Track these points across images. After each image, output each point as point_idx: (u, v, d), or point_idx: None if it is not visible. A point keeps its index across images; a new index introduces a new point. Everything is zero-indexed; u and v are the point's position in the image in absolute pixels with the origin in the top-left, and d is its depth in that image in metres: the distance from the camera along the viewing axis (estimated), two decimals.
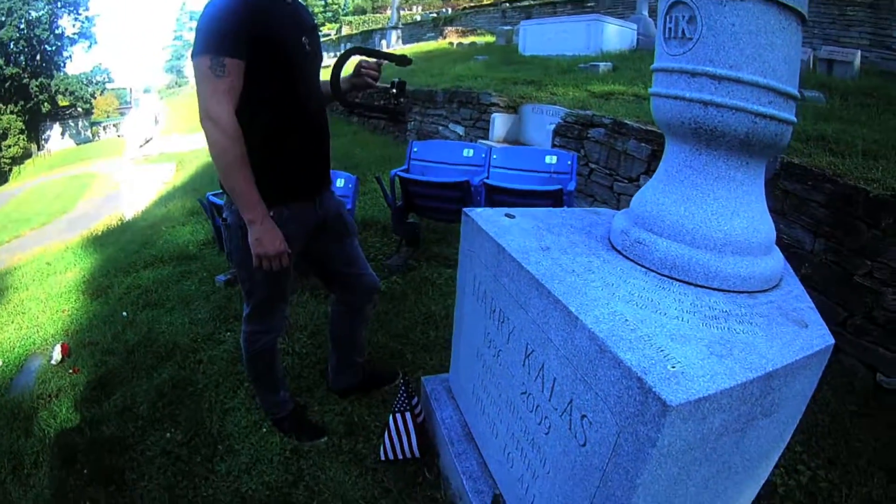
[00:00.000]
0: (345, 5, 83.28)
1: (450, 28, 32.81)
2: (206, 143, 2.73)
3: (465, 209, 2.81)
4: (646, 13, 17.47)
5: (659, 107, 2.12)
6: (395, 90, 3.39)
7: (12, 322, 7.00)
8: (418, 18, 45.44)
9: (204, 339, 5.14)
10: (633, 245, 2.18)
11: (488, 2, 47.51)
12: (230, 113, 2.67)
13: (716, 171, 2.03)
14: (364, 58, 3.32)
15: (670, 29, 2.03)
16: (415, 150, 6.71)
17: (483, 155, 6.36)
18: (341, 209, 3.44)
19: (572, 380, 1.87)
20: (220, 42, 2.63)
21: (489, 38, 25.65)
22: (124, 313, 6.09)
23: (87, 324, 6.18)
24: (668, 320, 1.80)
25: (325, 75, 3.18)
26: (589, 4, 26.49)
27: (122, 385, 4.71)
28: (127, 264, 7.71)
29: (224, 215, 3.12)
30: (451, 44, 26.30)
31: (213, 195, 5.67)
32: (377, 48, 3.26)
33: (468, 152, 6.47)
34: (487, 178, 5.99)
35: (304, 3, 3.20)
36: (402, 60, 3.32)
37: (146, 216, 12.69)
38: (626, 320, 1.78)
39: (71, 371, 5.19)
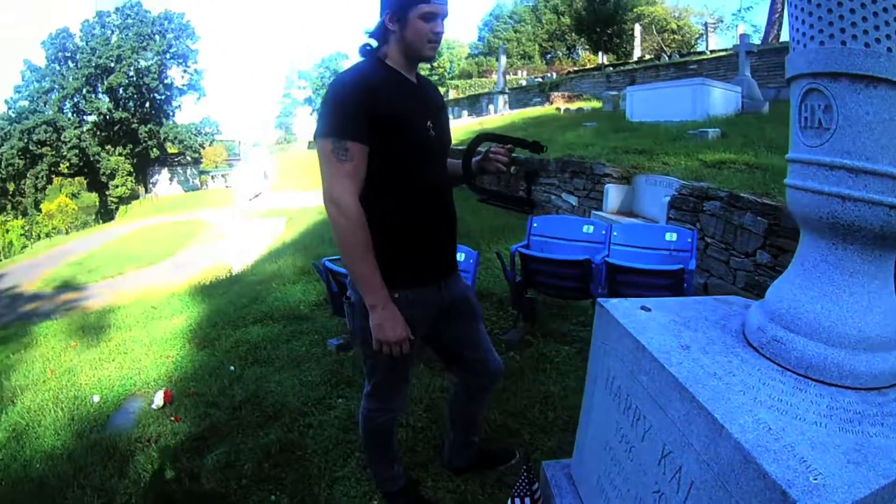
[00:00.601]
0: (450, 69, 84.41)
1: (556, 93, 33.07)
2: (331, 226, 2.76)
3: (599, 300, 2.75)
4: (748, 74, 17.18)
5: (795, 199, 2.07)
6: (526, 180, 3.30)
7: (113, 360, 7.20)
8: (524, 83, 45.81)
9: (314, 402, 5.14)
10: (769, 343, 2.13)
11: (591, 66, 47.67)
12: (354, 197, 2.71)
13: (851, 265, 1.97)
14: (494, 143, 3.25)
15: (806, 118, 1.98)
16: (535, 225, 6.72)
17: (603, 232, 6.35)
18: (468, 292, 3.39)
19: (712, 485, 1.82)
20: (343, 125, 2.67)
21: (595, 104, 25.67)
22: (231, 367, 6.16)
23: (191, 373, 6.28)
24: (808, 426, 1.77)
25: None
26: (691, 67, 26.63)
27: (225, 440, 4.74)
28: (236, 318, 7.83)
29: (348, 293, 3.11)
30: (557, 109, 26.36)
31: (330, 260, 5.75)
32: (502, 134, 3.10)
33: (588, 229, 6.47)
34: (608, 255, 5.97)
35: (432, 81, 3.19)
36: (535, 147, 3.17)
37: (255, 270, 12.89)
38: (770, 429, 1.74)
39: (172, 419, 5.26)
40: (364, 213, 2.73)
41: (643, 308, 2.62)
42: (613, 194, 10.26)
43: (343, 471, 4.15)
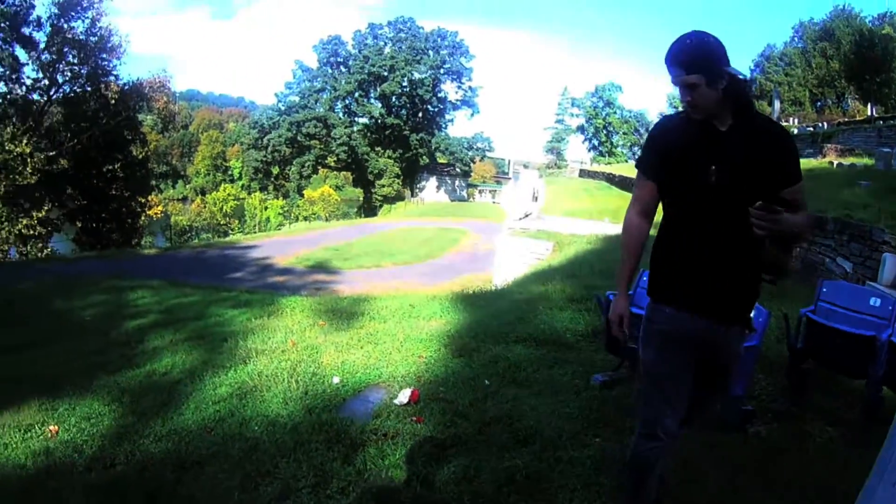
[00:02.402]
0: None
1: (828, 145, 31.99)
2: None
3: None
4: None
5: None
6: (778, 244, 3.01)
7: (361, 348, 7.27)
8: (795, 132, 44.05)
9: (569, 436, 4.87)
10: None
11: (861, 117, 45.35)
12: (632, 214, 3.39)
13: None
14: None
15: None
16: (824, 290, 6.38)
17: (889, 307, 5.85)
18: (731, 362, 3.43)
19: None
20: (640, 158, 3.36)
21: (867, 161, 24.38)
22: (487, 381, 6.02)
23: (443, 378, 6.18)
24: None
25: None
26: None
27: (467, 454, 4.59)
28: (498, 333, 7.65)
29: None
30: (830, 163, 25.65)
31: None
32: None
33: (875, 301, 6.00)
34: (893, 335, 5.41)
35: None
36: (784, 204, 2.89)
37: (521, 289, 12.70)
38: None
39: (414, 419, 5.18)
40: (641, 229, 3.36)
41: None
42: (891, 265, 9.42)
43: None
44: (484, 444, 4.70)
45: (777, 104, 37.92)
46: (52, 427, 5.42)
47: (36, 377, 7.10)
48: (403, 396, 5.56)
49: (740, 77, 3.00)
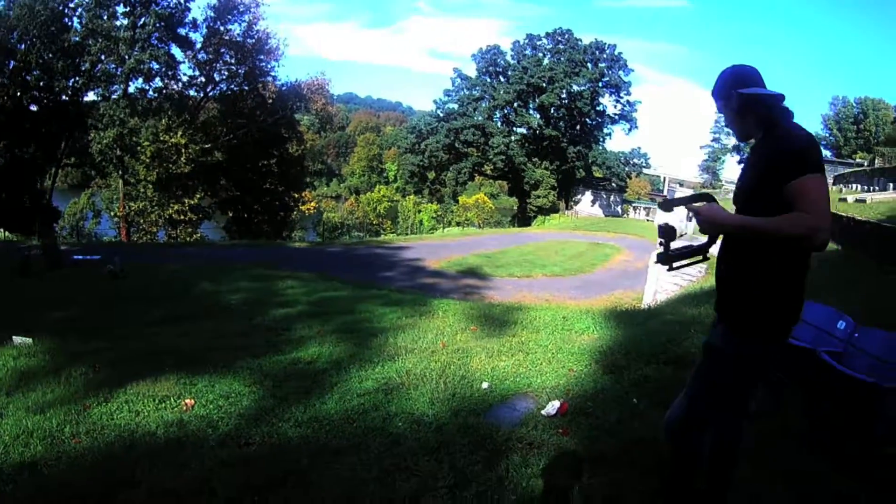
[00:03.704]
0: (876, 133, 78.95)
1: None
2: None
3: None
4: None
5: None
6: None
7: (512, 356, 7.20)
8: None
9: None
10: None
11: None
12: None
13: None
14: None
15: None
16: None
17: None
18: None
19: None
20: None
21: None
22: (635, 400, 5.84)
23: (591, 394, 6.04)
24: None
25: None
26: None
27: (608, 472, 4.42)
28: (649, 353, 7.38)
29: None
30: None
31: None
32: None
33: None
34: None
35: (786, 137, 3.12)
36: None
37: (673, 310, 12.38)
38: None
39: (560, 431, 5.08)
40: None
41: None
42: None
43: None
44: (627, 464, 4.51)
45: None
46: (187, 401, 5.67)
47: (177, 352, 7.47)
48: (552, 408, 5.46)
49: (756, 96, 3.20)
